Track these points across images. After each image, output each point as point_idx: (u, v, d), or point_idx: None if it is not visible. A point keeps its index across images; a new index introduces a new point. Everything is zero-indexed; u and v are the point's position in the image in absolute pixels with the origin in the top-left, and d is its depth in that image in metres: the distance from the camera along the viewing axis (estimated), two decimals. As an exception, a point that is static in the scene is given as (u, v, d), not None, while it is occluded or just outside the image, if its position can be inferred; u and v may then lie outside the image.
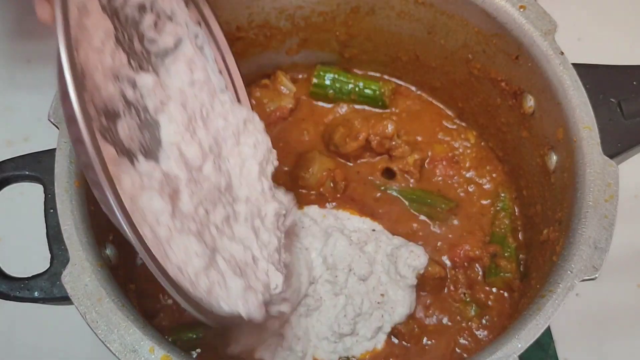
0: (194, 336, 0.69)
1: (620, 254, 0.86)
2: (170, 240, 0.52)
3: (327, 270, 0.70)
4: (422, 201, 0.77)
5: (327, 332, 0.68)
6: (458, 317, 0.71)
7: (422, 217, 0.76)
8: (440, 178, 0.79)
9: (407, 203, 0.77)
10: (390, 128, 0.77)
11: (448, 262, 0.74)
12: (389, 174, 0.79)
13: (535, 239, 0.71)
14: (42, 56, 1.01)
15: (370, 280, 0.71)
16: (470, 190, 0.78)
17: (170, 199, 0.54)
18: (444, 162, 0.79)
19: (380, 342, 0.69)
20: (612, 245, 0.58)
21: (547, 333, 0.82)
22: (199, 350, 0.69)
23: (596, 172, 0.60)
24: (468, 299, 0.72)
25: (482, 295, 0.72)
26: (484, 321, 0.71)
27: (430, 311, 0.71)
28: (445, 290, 0.72)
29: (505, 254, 0.73)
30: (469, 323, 0.71)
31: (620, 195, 0.60)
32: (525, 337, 0.54)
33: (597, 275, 0.57)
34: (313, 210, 0.75)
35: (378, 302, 0.70)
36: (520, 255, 0.74)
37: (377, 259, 0.72)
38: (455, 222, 0.76)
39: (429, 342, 0.70)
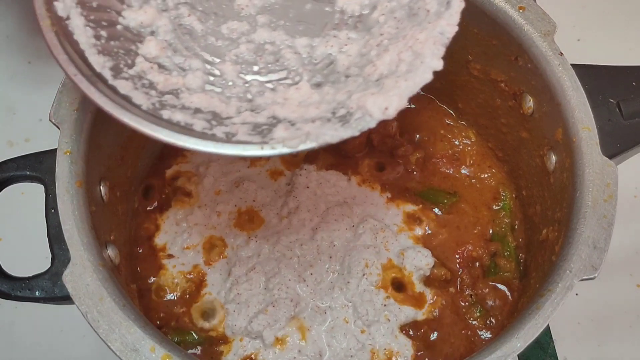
0: (195, 337, 0.69)
1: (620, 254, 0.87)
2: None
3: (342, 275, 0.71)
4: (425, 196, 0.77)
5: (346, 351, 0.68)
6: (465, 319, 0.71)
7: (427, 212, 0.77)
8: (441, 174, 0.79)
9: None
10: (393, 126, 0.78)
11: (453, 263, 0.74)
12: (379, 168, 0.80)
13: (535, 239, 0.71)
14: (43, 57, 1.01)
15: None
16: (471, 187, 0.78)
17: None
18: (444, 160, 0.79)
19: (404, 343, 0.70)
20: (611, 245, 0.58)
21: (547, 332, 0.82)
22: (199, 348, 0.69)
23: (595, 173, 0.61)
24: (474, 300, 0.72)
25: (486, 295, 0.72)
26: (488, 322, 0.71)
27: (437, 313, 0.71)
28: (452, 291, 0.72)
29: (505, 254, 0.74)
30: (474, 322, 0.71)
31: (619, 195, 0.60)
32: (524, 337, 0.54)
33: (596, 275, 0.57)
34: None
35: (384, 305, 0.70)
36: (520, 255, 0.74)
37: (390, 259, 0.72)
38: (458, 219, 0.76)
39: (437, 343, 0.70)
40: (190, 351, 0.69)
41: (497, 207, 0.77)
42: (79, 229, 0.58)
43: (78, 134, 0.61)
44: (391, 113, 0.47)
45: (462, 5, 0.51)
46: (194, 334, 0.69)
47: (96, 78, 0.48)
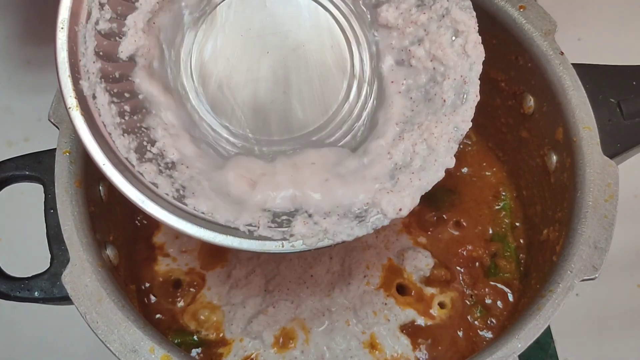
0: (195, 338, 0.69)
1: (620, 254, 0.86)
2: None
3: (342, 277, 0.71)
4: (425, 195, 0.77)
5: (346, 352, 0.68)
6: (465, 318, 0.71)
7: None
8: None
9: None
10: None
11: (453, 264, 0.74)
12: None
13: (535, 239, 0.71)
14: (43, 57, 1.01)
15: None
16: (472, 187, 0.78)
17: None
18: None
19: (406, 343, 0.69)
20: (612, 245, 0.58)
21: (547, 333, 0.82)
22: (199, 350, 0.69)
23: (596, 172, 0.60)
24: (474, 300, 0.72)
25: (486, 295, 0.72)
26: (489, 322, 0.71)
27: (437, 313, 0.71)
28: (452, 291, 0.72)
29: (505, 254, 0.74)
30: (475, 322, 0.71)
31: (620, 195, 0.60)
32: (525, 337, 0.54)
33: (597, 275, 0.57)
34: None
35: (384, 303, 0.70)
36: (520, 255, 0.74)
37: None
38: (458, 218, 0.76)
39: (438, 343, 0.70)
40: (190, 353, 0.69)
41: (497, 207, 0.77)
42: (78, 230, 0.58)
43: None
44: (404, 213, 0.50)
45: (478, 99, 0.52)
46: (194, 336, 0.69)
47: (123, 166, 0.50)
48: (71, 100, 0.49)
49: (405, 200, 0.50)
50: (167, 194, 0.50)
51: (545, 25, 0.65)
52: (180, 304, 0.71)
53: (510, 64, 0.69)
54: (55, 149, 0.60)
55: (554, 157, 0.67)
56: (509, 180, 0.78)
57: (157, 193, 0.50)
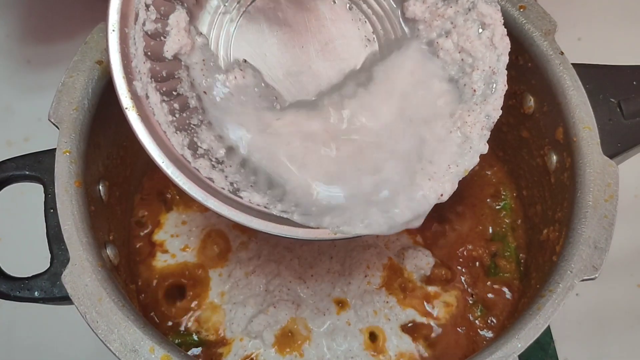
0: (195, 338, 0.69)
1: (620, 254, 0.86)
2: None
3: (343, 276, 0.71)
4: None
5: (346, 352, 0.68)
6: (466, 317, 0.71)
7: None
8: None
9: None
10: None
11: (454, 263, 0.74)
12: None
13: (535, 239, 0.71)
14: (43, 57, 1.01)
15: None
16: (472, 186, 0.78)
17: None
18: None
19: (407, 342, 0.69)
20: (612, 245, 0.58)
21: (547, 333, 0.82)
22: (199, 349, 0.69)
23: (596, 172, 0.60)
24: (475, 300, 0.72)
25: (486, 295, 0.72)
26: (489, 321, 0.71)
27: (438, 312, 0.71)
28: (453, 290, 0.72)
29: (505, 254, 0.74)
30: (476, 322, 0.71)
31: (620, 195, 0.60)
32: (525, 337, 0.54)
33: (597, 275, 0.57)
34: None
35: (386, 302, 0.70)
36: (520, 255, 0.74)
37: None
38: (458, 218, 0.76)
39: (438, 342, 0.70)
40: (190, 352, 0.69)
41: (497, 207, 0.77)
42: (78, 229, 0.58)
43: (77, 134, 0.61)
44: (445, 198, 0.53)
45: (506, 88, 0.55)
46: (194, 335, 0.69)
47: (180, 163, 0.51)
48: (127, 101, 0.50)
49: (446, 186, 0.53)
50: (223, 188, 0.52)
51: (545, 25, 0.65)
52: (180, 303, 0.71)
53: (511, 63, 0.69)
54: (55, 149, 0.60)
55: (554, 157, 0.67)
56: (509, 180, 0.78)
57: (214, 188, 0.52)
